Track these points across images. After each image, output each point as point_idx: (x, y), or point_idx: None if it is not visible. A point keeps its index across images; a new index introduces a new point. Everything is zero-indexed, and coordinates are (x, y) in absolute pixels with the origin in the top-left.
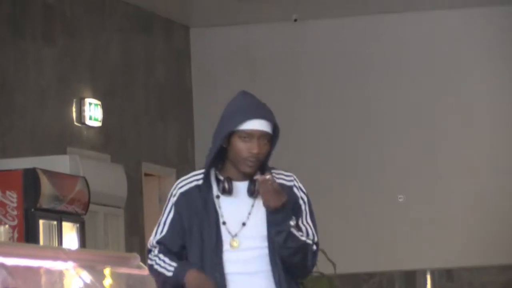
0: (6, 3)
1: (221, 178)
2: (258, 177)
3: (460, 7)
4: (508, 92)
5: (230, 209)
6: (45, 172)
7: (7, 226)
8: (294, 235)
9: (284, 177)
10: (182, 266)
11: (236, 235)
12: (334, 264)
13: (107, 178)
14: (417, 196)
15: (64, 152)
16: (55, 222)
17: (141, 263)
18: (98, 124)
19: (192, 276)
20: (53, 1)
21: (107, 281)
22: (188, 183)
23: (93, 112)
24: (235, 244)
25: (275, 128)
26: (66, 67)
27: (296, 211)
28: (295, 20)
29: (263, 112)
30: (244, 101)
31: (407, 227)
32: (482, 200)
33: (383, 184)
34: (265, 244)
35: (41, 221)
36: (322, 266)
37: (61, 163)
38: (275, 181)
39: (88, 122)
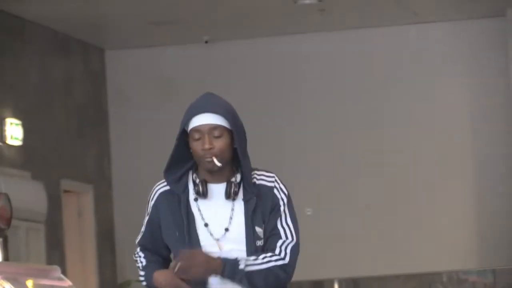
0: None
1: (197, 181)
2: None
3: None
4: (472, 99)
5: (210, 212)
6: None
7: None
8: (252, 274)
9: (265, 178)
10: (148, 273)
11: (218, 239)
12: None
13: (28, 194)
14: (325, 208)
15: None
16: None
17: (61, 275)
18: (19, 142)
19: (155, 278)
20: None
21: None
22: (166, 184)
23: (13, 131)
24: (217, 248)
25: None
26: None
27: (275, 213)
28: (206, 42)
29: (207, 106)
30: (196, 100)
31: (316, 238)
32: (388, 211)
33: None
34: (243, 248)
35: None
36: None
37: None
38: (180, 265)
39: (9, 141)
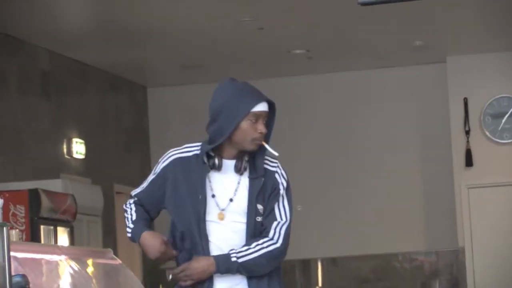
0: (15, 70)
1: (212, 154)
2: (171, 275)
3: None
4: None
5: (219, 184)
6: (44, 191)
7: (17, 230)
8: (247, 263)
9: (268, 162)
10: (137, 228)
11: (223, 209)
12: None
13: (88, 195)
14: (311, 197)
15: (58, 177)
16: (51, 227)
17: (113, 256)
18: (82, 156)
19: (143, 238)
20: (49, 68)
21: (90, 269)
22: (183, 152)
23: (78, 148)
24: (221, 217)
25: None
26: (59, 116)
27: (274, 196)
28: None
29: (263, 95)
30: (242, 86)
31: (304, 222)
32: (363, 200)
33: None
34: (244, 220)
35: (41, 227)
36: None
37: (56, 185)
38: (177, 271)
39: (75, 155)
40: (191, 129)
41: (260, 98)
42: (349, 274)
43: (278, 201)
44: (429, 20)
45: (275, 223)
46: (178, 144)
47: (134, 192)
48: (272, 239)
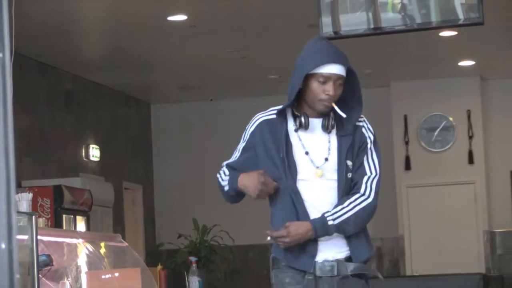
0: (44, 89)
1: (298, 114)
2: (269, 237)
3: None
4: None
5: (310, 142)
6: (66, 187)
7: (44, 218)
8: (342, 223)
9: None
10: (232, 177)
11: (318, 167)
12: (233, 239)
13: (102, 190)
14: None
15: (77, 175)
16: (72, 216)
17: (121, 239)
18: (97, 159)
19: (240, 180)
20: (72, 88)
21: (102, 250)
22: (268, 114)
23: (94, 152)
24: (319, 173)
25: (349, 71)
26: (79, 126)
27: (362, 150)
28: (211, 100)
29: (338, 57)
30: (321, 45)
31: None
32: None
33: None
34: (335, 177)
35: (63, 216)
36: (227, 240)
37: (75, 182)
38: (276, 235)
39: (91, 158)
40: (187, 139)
41: (330, 60)
42: None
43: (366, 155)
44: (376, 52)
45: (365, 178)
46: (176, 150)
47: (226, 162)
48: (363, 194)
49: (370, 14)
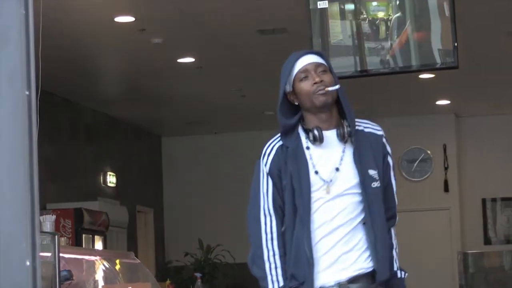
0: (66, 122)
1: (310, 128)
2: None
3: None
4: None
5: (322, 158)
6: (86, 210)
7: (65, 238)
8: (395, 255)
9: (372, 126)
10: None
11: (330, 181)
12: (233, 258)
13: (117, 213)
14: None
15: (96, 199)
16: (90, 236)
17: (134, 257)
18: (113, 185)
19: None
20: (91, 121)
21: (117, 266)
22: (275, 144)
23: (111, 179)
24: (329, 190)
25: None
26: (98, 156)
27: (387, 163)
28: (215, 133)
29: (308, 51)
30: (291, 56)
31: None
32: None
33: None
34: (358, 191)
35: (83, 235)
36: (228, 258)
37: (94, 205)
38: None
39: (108, 184)
40: (193, 168)
41: (299, 55)
42: None
43: (389, 171)
44: (362, 92)
45: (395, 207)
46: (183, 178)
47: (262, 209)
48: (395, 218)
49: (357, 58)
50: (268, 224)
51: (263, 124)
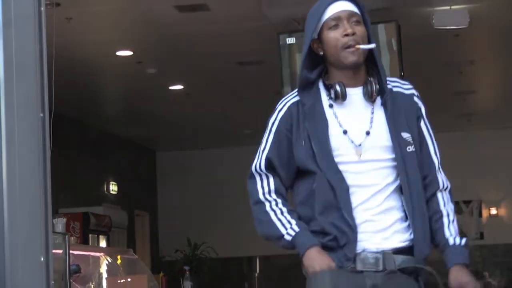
0: (75, 140)
1: (332, 83)
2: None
3: None
4: None
5: (349, 117)
6: (92, 213)
7: (74, 237)
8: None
9: (401, 85)
10: (304, 236)
11: (360, 145)
12: (217, 253)
13: (119, 216)
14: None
15: (100, 205)
16: (96, 235)
17: (133, 253)
18: (115, 193)
19: (312, 256)
20: (96, 138)
21: (118, 261)
22: (294, 96)
23: (113, 188)
24: (360, 154)
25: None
26: (102, 168)
27: (421, 123)
28: (201, 149)
29: None
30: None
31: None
32: None
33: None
34: (391, 156)
35: (90, 235)
36: (212, 254)
37: (99, 210)
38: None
39: (111, 192)
40: (183, 178)
41: (331, 0)
42: (279, 267)
43: (427, 130)
44: None
45: (436, 168)
46: (174, 186)
47: (254, 164)
48: (444, 187)
49: None
50: (265, 181)
51: (243, 142)
